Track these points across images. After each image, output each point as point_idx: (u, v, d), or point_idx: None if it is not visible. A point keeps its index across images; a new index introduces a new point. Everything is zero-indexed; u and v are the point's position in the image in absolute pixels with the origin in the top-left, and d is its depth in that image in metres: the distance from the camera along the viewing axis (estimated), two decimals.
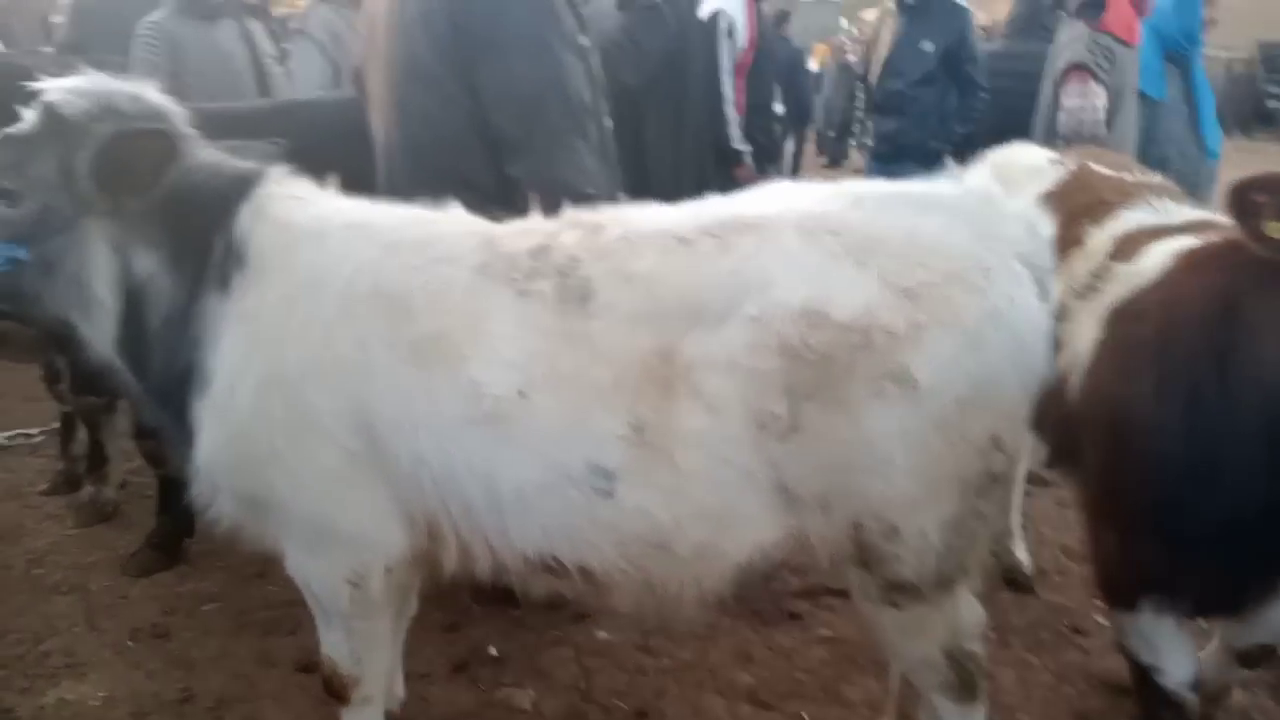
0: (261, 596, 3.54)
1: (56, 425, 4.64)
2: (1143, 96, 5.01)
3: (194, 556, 3.81)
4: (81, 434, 4.30)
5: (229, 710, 2.96)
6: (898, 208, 2.06)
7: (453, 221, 2.21)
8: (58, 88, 2.18)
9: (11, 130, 2.18)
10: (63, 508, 4.21)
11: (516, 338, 2.02)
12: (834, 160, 17.26)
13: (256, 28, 4.51)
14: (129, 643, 3.30)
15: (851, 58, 14.37)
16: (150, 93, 2.27)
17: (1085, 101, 4.68)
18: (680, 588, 2.12)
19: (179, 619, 3.45)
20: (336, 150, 2.63)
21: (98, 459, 4.14)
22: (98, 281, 2.17)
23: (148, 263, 2.17)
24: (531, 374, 2.00)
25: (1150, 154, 4.92)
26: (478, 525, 2.11)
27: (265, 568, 3.51)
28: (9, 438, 4.84)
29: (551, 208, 2.73)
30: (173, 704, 2.98)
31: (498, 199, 2.77)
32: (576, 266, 2.05)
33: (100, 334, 2.22)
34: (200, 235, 2.16)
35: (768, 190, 2.21)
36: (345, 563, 2.19)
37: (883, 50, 6.43)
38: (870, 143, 6.69)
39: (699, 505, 2.01)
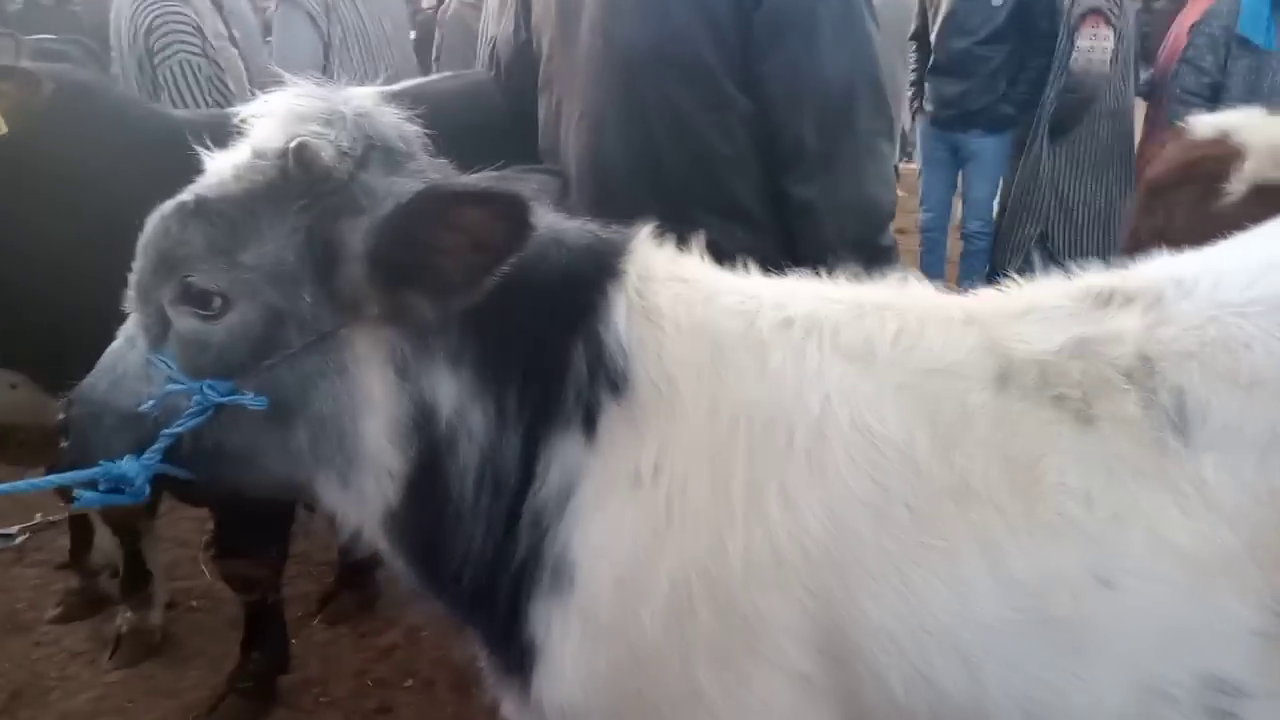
0: None
1: (43, 520, 3.61)
2: (1245, 43, 4.56)
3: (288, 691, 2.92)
4: (103, 539, 3.29)
5: None
6: None
7: (912, 300, 1.44)
8: (286, 112, 1.31)
9: (205, 193, 1.31)
10: (87, 641, 3.22)
11: (1087, 492, 1.29)
12: None
13: None
14: None
15: None
16: (392, 112, 1.42)
17: (1095, 43, 5.05)
18: None
19: None
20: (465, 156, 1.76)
21: (137, 576, 3.15)
22: (370, 427, 1.33)
23: (451, 392, 1.34)
24: (1118, 548, 1.27)
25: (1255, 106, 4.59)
26: None
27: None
28: None
29: (852, 236, 2.06)
30: None
31: (767, 228, 2.03)
32: (1154, 371, 1.33)
33: (366, 506, 1.39)
34: (542, 347, 1.35)
35: None
36: None
37: (944, 4, 5.80)
38: (929, 107, 6.04)
39: None
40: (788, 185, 2.05)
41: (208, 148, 1.37)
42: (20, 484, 1.34)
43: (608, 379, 1.32)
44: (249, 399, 1.28)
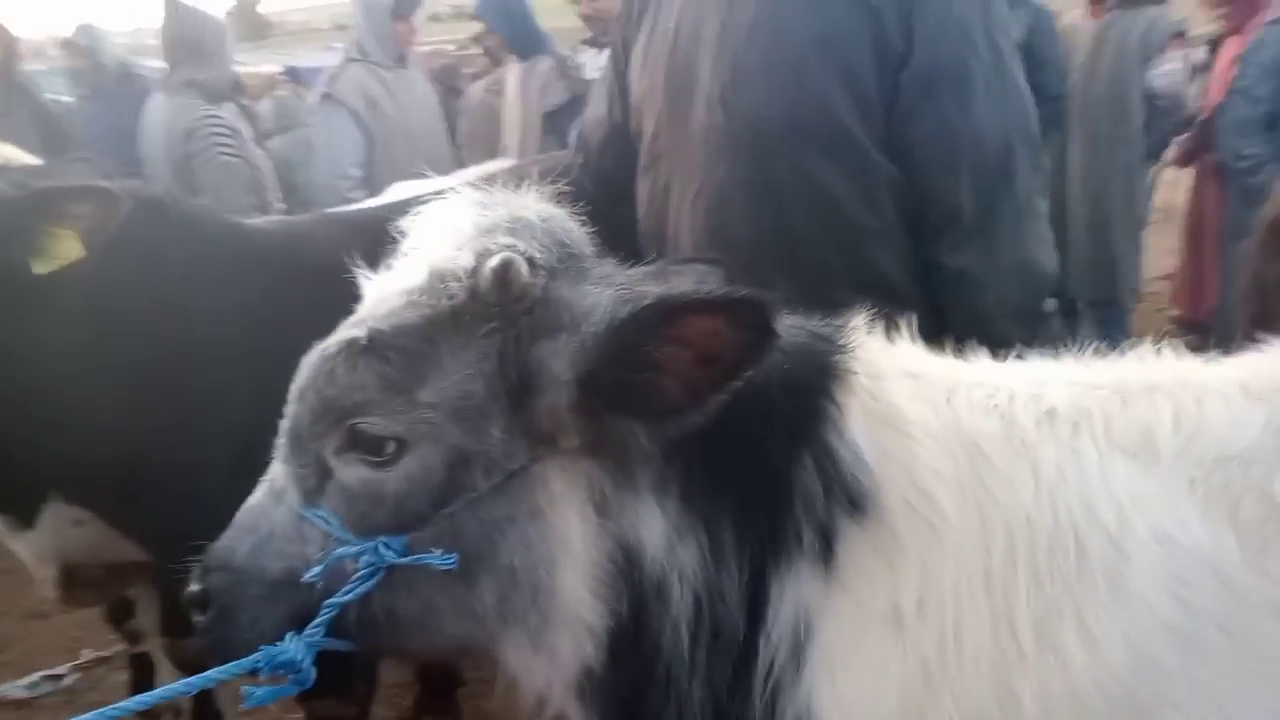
0: None
1: (93, 656, 3.37)
2: None
3: None
4: (165, 675, 3.03)
5: None
6: None
7: (1178, 376, 1.24)
8: (461, 222, 1.14)
9: (378, 326, 1.14)
10: None
11: None
12: None
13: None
14: None
15: None
16: (564, 213, 1.25)
17: (1182, 65, 5.30)
18: None
19: None
20: None
21: (205, 718, 2.90)
22: (568, 577, 1.13)
23: (659, 529, 1.14)
24: None
25: None
26: None
27: None
28: (30, 685, 3.48)
29: (1014, 303, 1.89)
30: None
31: (914, 301, 1.86)
32: None
33: (560, 667, 1.18)
34: (763, 465, 1.15)
35: None
36: None
37: None
38: None
39: None
40: (940, 253, 1.89)
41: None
42: (177, 686, 1.17)
43: (847, 498, 1.12)
44: (437, 558, 1.09)
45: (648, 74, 2.10)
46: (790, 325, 1.19)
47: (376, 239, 1.29)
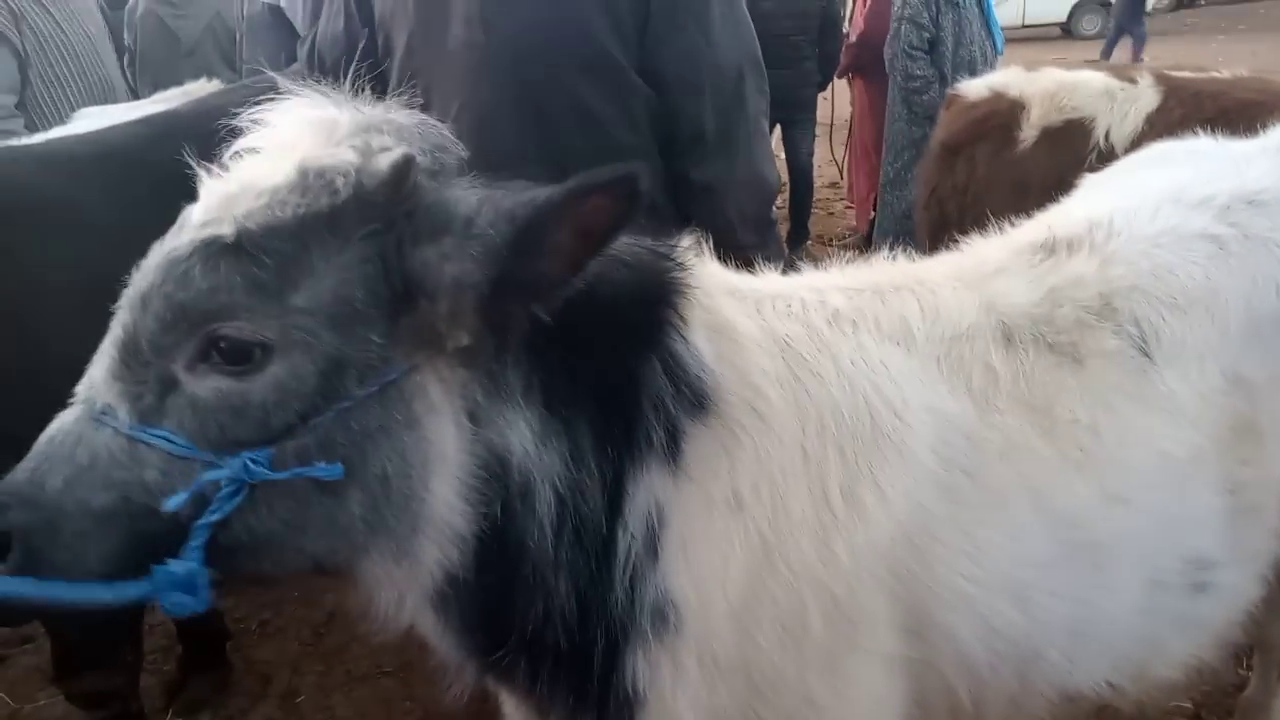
0: None
1: None
2: (952, 4, 5.24)
3: None
4: None
5: None
6: None
7: (913, 275, 1.51)
8: (336, 122, 1.13)
9: (246, 225, 1.07)
10: None
11: (1094, 423, 1.45)
12: None
13: None
14: None
15: None
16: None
17: None
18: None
19: None
20: None
21: None
22: (441, 485, 1.16)
23: (525, 434, 1.20)
24: (1127, 467, 1.46)
25: (960, 55, 5.27)
26: (1032, 680, 1.53)
27: None
28: None
29: (751, 213, 2.13)
30: None
31: (667, 215, 2.08)
32: (1115, 307, 1.52)
33: (419, 577, 1.21)
34: (617, 372, 1.25)
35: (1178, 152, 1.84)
36: None
37: None
38: None
39: (1268, 555, 1.65)
40: (687, 169, 2.05)
41: None
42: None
43: (691, 398, 1.26)
44: (320, 469, 1.07)
45: None
46: (634, 243, 1.29)
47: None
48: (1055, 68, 3.49)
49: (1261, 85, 3.06)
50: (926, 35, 5.04)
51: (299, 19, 3.85)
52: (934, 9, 5.04)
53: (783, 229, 6.91)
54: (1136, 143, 2.97)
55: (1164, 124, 2.94)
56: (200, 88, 3.09)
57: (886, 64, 5.39)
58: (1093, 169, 1.92)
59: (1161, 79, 3.20)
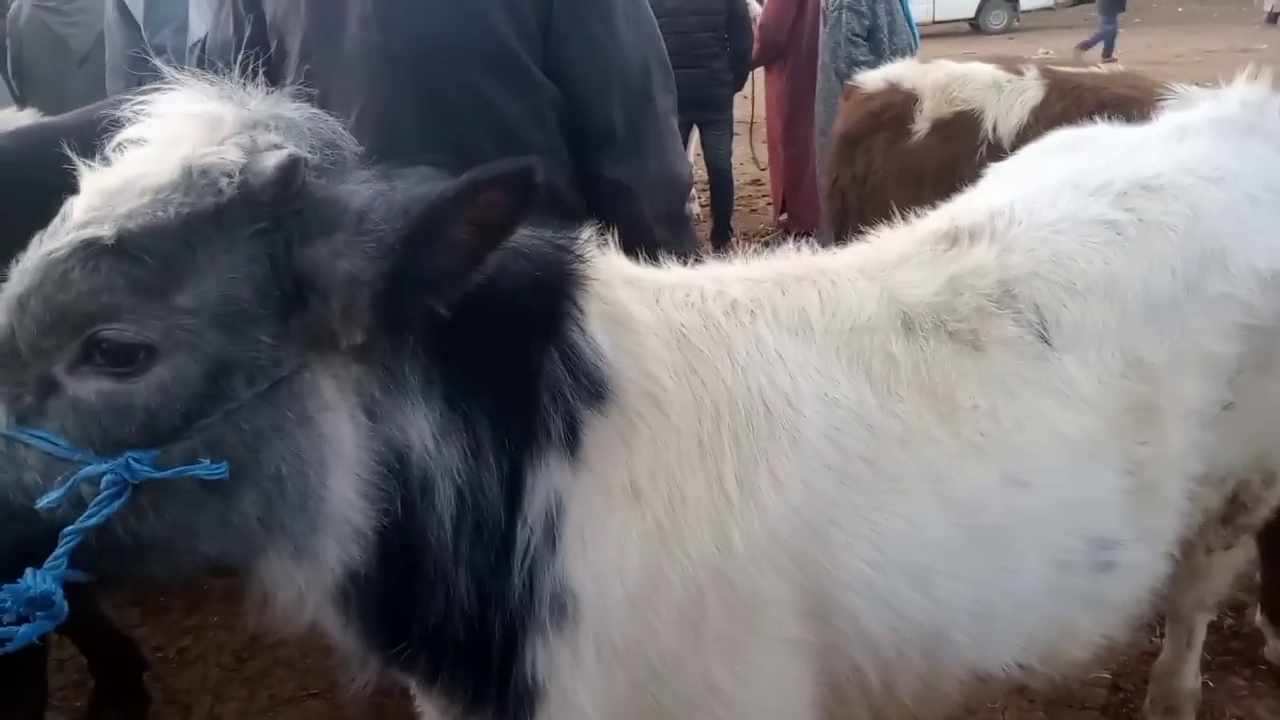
0: None
1: None
2: None
3: None
4: None
5: None
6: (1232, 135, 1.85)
7: (816, 266, 1.53)
8: (220, 118, 1.11)
9: (126, 225, 1.05)
10: None
11: (994, 409, 1.48)
12: None
13: None
14: None
15: None
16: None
17: None
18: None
19: None
20: None
21: None
22: (338, 482, 1.15)
23: (423, 429, 1.20)
24: (1026, 451, 1.49)
25: (895, 43, 5.37)
26: (940, 661, 1.56)
27: None
28: None
29: (664, 210, 2.13)
30: None
31: (579, 214, 2.07)
32: (1015, 294, 1.55)
33: (319, 575, 1.20)
34: (515, 363, 1.25)
35: (1088, 138, 1.87)
36: None
37: None
38: None
39: (1171, 532, 1.69)
40: (600, 167, 2.04)
41: None
42: None
43: (589, 388, 1.26)
44: (204, 468, 1.06)
45: None
46: (533, 236, 1.29)
47: None
48: (980, 61, 3.52)
49: (1135, 81, 3.14)
50: (866, 23, 5.09)
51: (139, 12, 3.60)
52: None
53: (705, 228, 6.94)
54: (1022, 135, 3.02)
55: (1047, 117, 3.00)
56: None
57: (823, 52, 5.43)
58: (982, 161, 1.95)
59: (1046, 73, 3.26)
